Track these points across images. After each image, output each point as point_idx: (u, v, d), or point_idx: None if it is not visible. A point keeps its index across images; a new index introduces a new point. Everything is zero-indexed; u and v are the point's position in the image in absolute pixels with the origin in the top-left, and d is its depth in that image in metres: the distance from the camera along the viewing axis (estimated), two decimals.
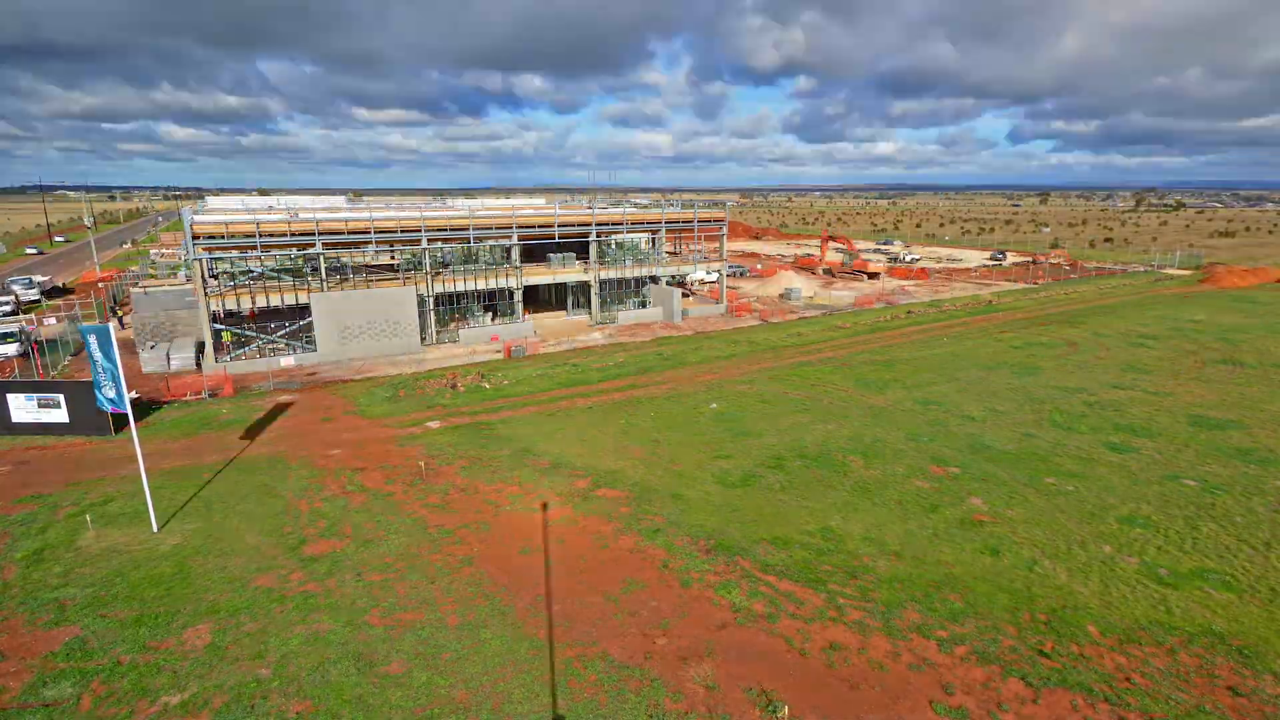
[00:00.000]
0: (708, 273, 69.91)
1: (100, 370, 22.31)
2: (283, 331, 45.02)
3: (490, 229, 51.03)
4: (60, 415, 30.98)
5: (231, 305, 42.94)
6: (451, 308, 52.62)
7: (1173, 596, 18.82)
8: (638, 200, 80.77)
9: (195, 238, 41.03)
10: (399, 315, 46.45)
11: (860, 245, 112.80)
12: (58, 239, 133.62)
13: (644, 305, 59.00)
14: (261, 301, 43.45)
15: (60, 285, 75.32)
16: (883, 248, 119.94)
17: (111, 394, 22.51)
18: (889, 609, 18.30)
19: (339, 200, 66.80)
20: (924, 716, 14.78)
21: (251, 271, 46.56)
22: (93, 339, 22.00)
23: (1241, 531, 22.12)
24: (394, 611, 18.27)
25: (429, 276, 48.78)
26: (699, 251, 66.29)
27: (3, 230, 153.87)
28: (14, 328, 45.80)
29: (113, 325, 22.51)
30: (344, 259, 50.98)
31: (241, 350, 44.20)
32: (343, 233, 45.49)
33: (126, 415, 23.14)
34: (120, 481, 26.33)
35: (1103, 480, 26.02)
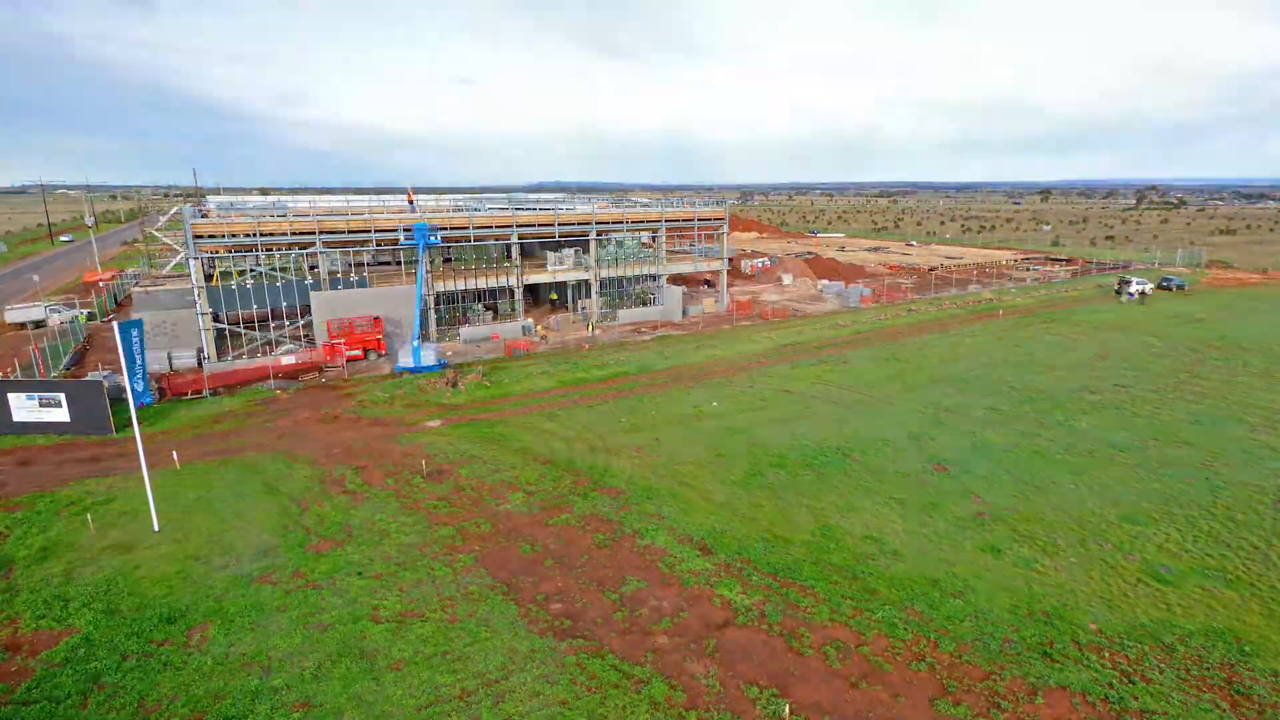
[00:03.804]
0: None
1: (137, 364, 22.35)
2: (284, 330, 45.04)
3: (491, 228, 51.01)
4: (61, 414, 31.01)
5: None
6: (453, 306, 52.65)
7: (1173, 594, 18.81)
8: (638, 199, 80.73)
9: (197, 237, 41.08)
10: (400, 314, 46.44)
11: (863, 244, 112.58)
12: (63, 238, 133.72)
13: (645, 304, 58.97)
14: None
15: None
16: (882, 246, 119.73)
17: (139, 386, 22.55)
18: (889, 607, 18.30)
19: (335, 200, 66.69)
20: (924, 714, 14.78)
21: (252, 271, 46.54)
22: (134, 333, 22.00)
23: (1242, 529, 22.10)
24: (395, 610, 18.29)
25: (430, 275, 48.78)
26: (701, 247, 66.18)
27: (3, 230, 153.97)
28: None
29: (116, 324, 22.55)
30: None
31: (243, 349, 44.22)
32: (343, 231, 45.53)
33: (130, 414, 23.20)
34: (121, 480, 26.35)
35: (1103, 478, 26.00)
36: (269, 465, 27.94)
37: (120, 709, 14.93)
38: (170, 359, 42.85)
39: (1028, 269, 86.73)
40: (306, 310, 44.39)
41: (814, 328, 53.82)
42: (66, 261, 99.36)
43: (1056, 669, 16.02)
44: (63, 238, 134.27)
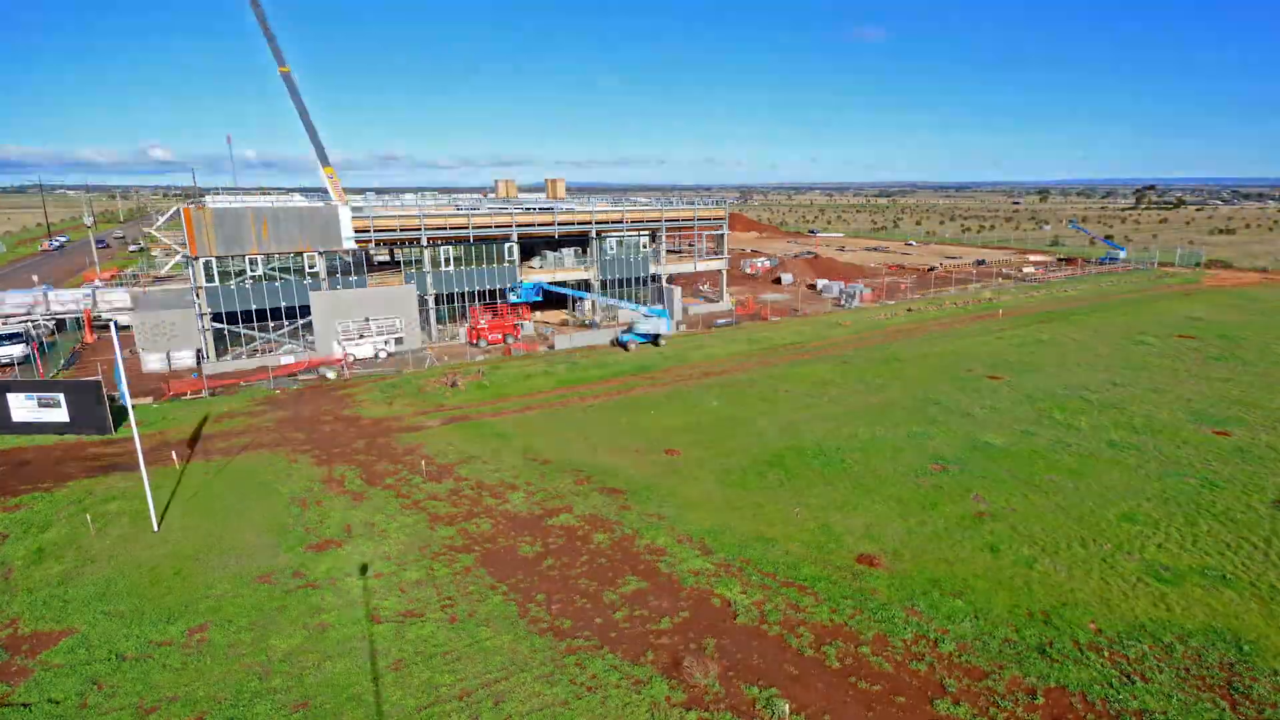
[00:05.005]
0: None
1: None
2: (282, 330, 45.04)
3: (490, 227, 50.97)
4: (60, 414, 30.98)
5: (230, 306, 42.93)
6: (452, 306, 52.60)
7: (1172, 594, 18.82)
8: (638, 199, 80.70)
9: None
10: (399, 314, 46.47)
11: (862, 244, 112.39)
12: (60, 238, 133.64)
13: (644, 303, 58.94)
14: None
15: None
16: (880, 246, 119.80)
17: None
18: (888, 606, 18.31)
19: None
20: (924, 713, 14.79)
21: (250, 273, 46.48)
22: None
23: (1241, 529, 22.12)
24: (395, 610, 18.28)
25: (429, 275, 48.78)
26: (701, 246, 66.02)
27: (2, 230, 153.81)
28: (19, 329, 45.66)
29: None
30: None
31: (241, 350, 44.21)
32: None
33: (127, 412, 23.18)
34: (120, 480, 26.34)
35: (1102, 477, 26.02)
36: (269, 465, 27.93)
37: (120, 709, 14.92)
38: (169, 358, 42.82)
39: (1020, 269, 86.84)
40: (306, 310, 44.36)
41: (813, 327, 53.83)
42: (65, 262, 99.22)
43: (1056, 668, 16.02)
44: (61, 237, 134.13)
